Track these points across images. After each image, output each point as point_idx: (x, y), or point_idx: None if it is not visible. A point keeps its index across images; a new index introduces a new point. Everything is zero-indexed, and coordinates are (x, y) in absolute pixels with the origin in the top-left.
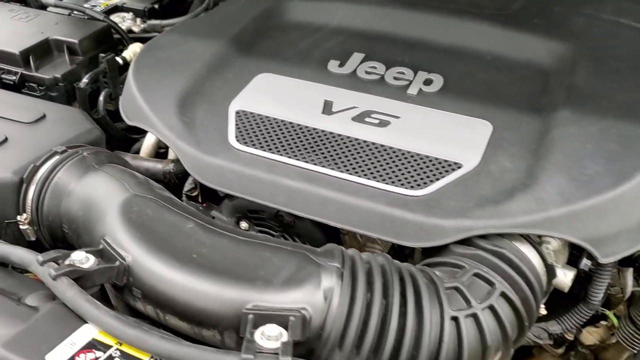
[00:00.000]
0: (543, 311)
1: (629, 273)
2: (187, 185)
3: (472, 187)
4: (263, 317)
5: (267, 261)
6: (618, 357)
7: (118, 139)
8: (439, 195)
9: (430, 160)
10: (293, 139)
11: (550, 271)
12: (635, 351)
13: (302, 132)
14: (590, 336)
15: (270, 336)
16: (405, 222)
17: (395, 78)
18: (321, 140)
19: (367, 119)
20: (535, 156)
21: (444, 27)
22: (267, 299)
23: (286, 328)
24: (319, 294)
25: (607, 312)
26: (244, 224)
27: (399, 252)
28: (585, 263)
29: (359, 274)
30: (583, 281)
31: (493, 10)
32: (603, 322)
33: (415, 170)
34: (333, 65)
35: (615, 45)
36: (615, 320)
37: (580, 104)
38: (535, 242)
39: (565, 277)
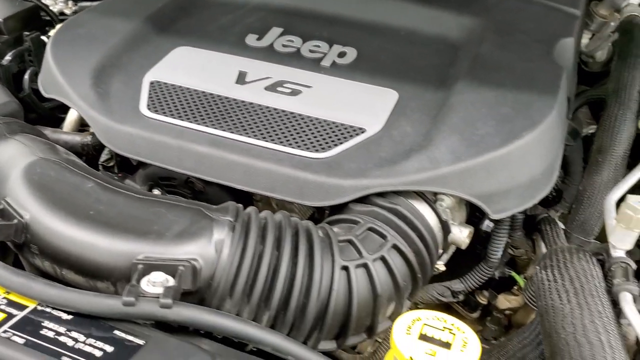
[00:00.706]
0: (441, 267)
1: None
2: (103, 156)
3: (373, 150)
4: (152, 267)
5: (162, 216)
6: (527, 318)
7: (45, 117)
8: (340, 158)
9: (336, 126)
10: (204, 107)
11: (445, 227)
12: None
13: (214, 101)
14: (507, 302)
15: (155, 282)
16: (307, 183)
17: (311, 51)
18: (232, 108)
19: (279, 89)
20: (434, 121)
21: (362, 3)
22: (158, 251)
23: (174, 277)
24: (210, 246)
25: (514, 274)
26: (156, 192)
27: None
28: (487, 224)
29: (252, 227)
30: (484, 241)
31: None
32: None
33: (320, 135)
34: (251, 39)
35: (522, 20)
36: (521, 282)
37: (481, 73)
38: (430, 199)
39: (461, 234)
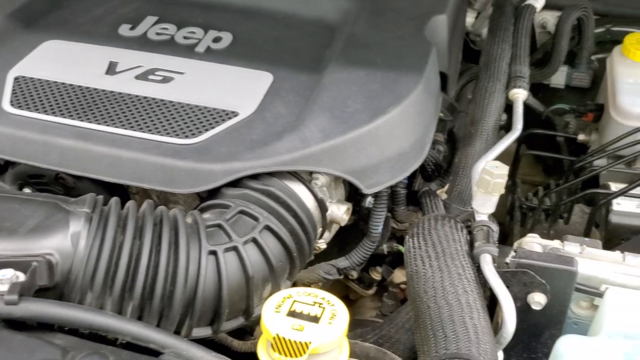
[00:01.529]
0: (322, 245)
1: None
2: None
3: (245, 133)
4: (3, 265)
5: (15, 212)
6: None
7: None
8: (211, 143)
9: (208, 111)
10: (71, 100)
11: (322, 205)
12: None
13: (82, 93)
14: (402, 276)
15: (2, 279)
16: (176, 170)
17: (185, 37)
18: (100, 99)
19: (150, 77)
20: (307, 101)
21: None
22: (11, 248)
23: (26, 273)
24: (66, 239)
25: (401, 248)
26: (26, 191)
27: None
28: (369, 201)
29: (111, 218)
30: (367, 218)
31: None
32: None
33: (191, 121)
34: (124, 29)
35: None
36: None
37: (352, 52)
38: (305, 179)
39: (338, 211)
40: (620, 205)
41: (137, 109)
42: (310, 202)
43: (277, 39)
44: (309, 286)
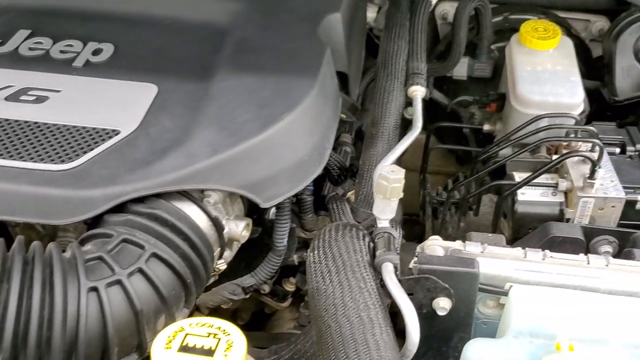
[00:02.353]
0: (222, 266)
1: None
2: None
3: (127, 153)
4: None
5: None
6: None
7: None
8: (89, 166)
9: (86, 131)
10: None
11: (217, 224)
12: None
13: None
14: None
15: None
16: (50, 200)
17: (62, 51)
18: None
19: (22, 97)
20: (194, 113)
21: None
22: None
23: None
24: None
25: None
26: None
27: None
28: (273, 212)
29: None
30: (271, 231)
31: None
32: None
33: (67, 143)
34: None
35: None
36: None
37: (242, 57)
38: (196, 198)
39: (237, 228)
40: (525, 194)
41: (7, 134)
42: (203, 222)
43: (162, 48)
44: (215, 309)
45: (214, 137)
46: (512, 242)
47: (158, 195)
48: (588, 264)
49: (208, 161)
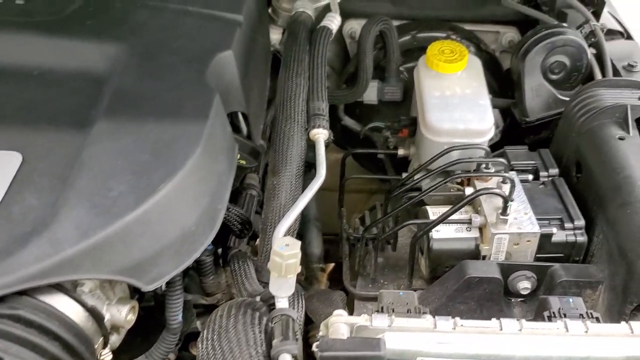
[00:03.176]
0: (108, 357)
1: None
2: None
3: None
4: None
5: None
6: None
7: None
8: None
9: None
10: None
11: (96, 314)
12: None
13: None
14: None
15: None
16: None
17: None
18: None
19: None
20: (63, 186)
21: None
22: None
23: None
24: None
25: None
26: None
27: None
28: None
29: None
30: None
31: (44, 16)
32: None
33: None
34: None
35: (173, 37)
36: None
37: (119, 112)
38: (68, 287)
39: (120, 314)
40: (440, 232)
41: None
42: (78, 314)
43: (29, 104)
44: None
45: (83, 218)
46: (430, 280)
47: (21, 291)
48: (501, 329)
49: (76, 247)
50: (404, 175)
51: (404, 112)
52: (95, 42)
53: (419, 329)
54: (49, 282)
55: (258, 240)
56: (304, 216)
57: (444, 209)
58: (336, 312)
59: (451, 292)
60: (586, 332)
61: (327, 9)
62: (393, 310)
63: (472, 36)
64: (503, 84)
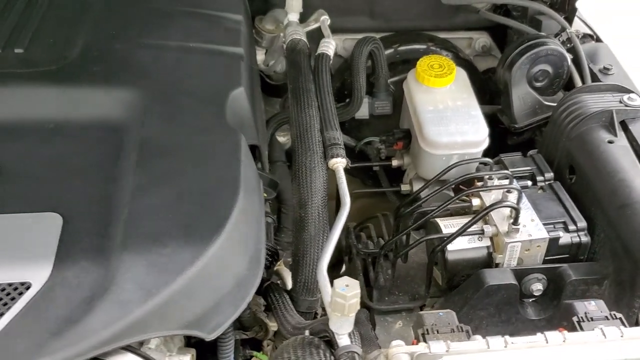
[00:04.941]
0: None
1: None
2: None
3: (46, 310)
4: None
5: None
6: None
7: None
8: (5, 338)
9: None
10: None
11: None
12: None
13: None
14: None
15: None
16: None
17: None
18: None
19: None
20: (112, 244)
21: None
22: None
23: None
24: None
25: (256, 354)
26: None
27: None
28: None
29: None
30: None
31: (47, 65)
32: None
33: None
34: None
35: (183, 78)
36: (264, 358)
37: (153, 165)
38: (134, 346)
39: None
40: (453, 243)
41: None
42: None
43: (53, 160)
44: None
45: (143, 277)
46: (447, 290)
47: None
48: (547, 342)
49: (144, 307)
50: (403, 187)
51: (393, 124)
52: (106, 89)
53: (474, 350)
54: (119, 345)
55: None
56: None
57: (453, 221)
58: (394, 342)
59: (472, 301)
60: (622, 336)
61: (315, 30)
62: (437, 331)
63: (450, 45)
64: (481, 88)
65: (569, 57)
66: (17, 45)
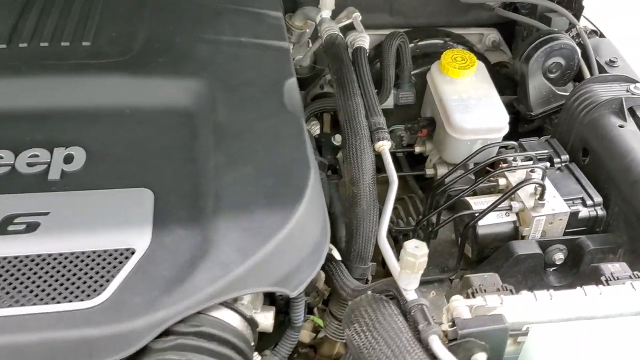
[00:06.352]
0: (257, 359)
1: (321, 279)
2: None
3: (152, 272)
4: None
5: None
6: (333, 348)
7: None
8: (119, 295)
9: (99, 256)
10: None
11: (252, 323)
12: (344, 341)
13: None
14: (306, 336)
15: None
16: (92, 340)
17: (30, 164)
18: None
19: (10, 228)
20: (205, 215)
21: (68, 87)
22: None
23: None
24: None
25: (312, 318)
26: None
27: None
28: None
29: None
30: (285, 308)
31: (115, 57)
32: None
33: (85, 274)
34: None
35: (241, 69)
36: (320, 322)
37: (229, 145)
38: (230, 302)
39: (267, 320)
40: (484, 219)
41: (12, 275)
42: (241, 324)
43: (135, 142)
44: None
45: (239, 241)
46: (478, 262)
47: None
48: (585, 295)
49: (241, 268)
50: (428, 171)
51: (414, 113)
52: (174, 79)
53: (525, 302)
54: (220, 300)
55: None
56: (331, 214)
57: (481, 199)
58: (454, 297)
59: (502, 269)
60: None
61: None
62: (485, 290)
63: (464, 40)
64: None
65: (579, 50)
66: (84, 39)
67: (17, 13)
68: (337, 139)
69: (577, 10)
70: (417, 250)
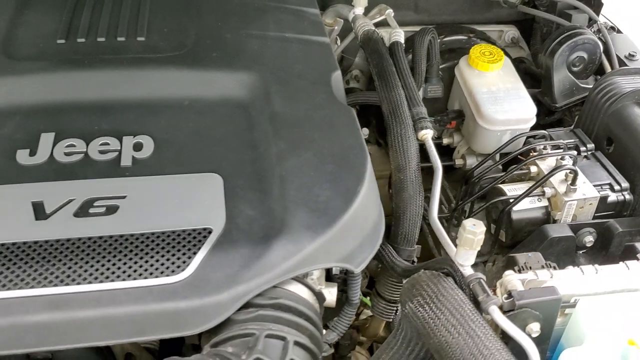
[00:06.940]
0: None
1: None
2: None
3: (230, 249)
4: None
5: None
6: (378, 327)
7: None
8: (202, 271)
9: (179, 235)
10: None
11: (320, 297)
12: (391, 320)
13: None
14: None
15: None
16: (180, 312)
17: (102, 152)
18: (41, 254)
19: (91, 210)
20: (272, 196)
21: (129, 80)
22: None
23: None
24: None
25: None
26: None
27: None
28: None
29: None
30: (339, 285)
31: (170, 51)
32: None
33: (168, 252)
34: (23, 156)
35: (290, 63)
36: (368, 301)
37: (287, 133)
38: (301, 277)
39: (331, 295)
40: (518, 205)
41: (99, 253)
42: (311, 297)
43: (197, 131)
44: None
45: (309, 220)
46: (510, 247)
47: None
48: (628, 269)
49: (313, 245)
50: (457, 161)
51: (440, 106)
52: (228, 72)
53: (573, 276)
54: (293, 275)
55: None
56: None
57: (515, 186)
58: (506, 272)
59: (537, 251)
60: None
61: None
62: (530, 268)
63: (486, 36)
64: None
65: (601, 45)
66: (138, 35)
67: (70, 11)
68: (364, 132)
69: (597, 7)
70: (475, 228)
